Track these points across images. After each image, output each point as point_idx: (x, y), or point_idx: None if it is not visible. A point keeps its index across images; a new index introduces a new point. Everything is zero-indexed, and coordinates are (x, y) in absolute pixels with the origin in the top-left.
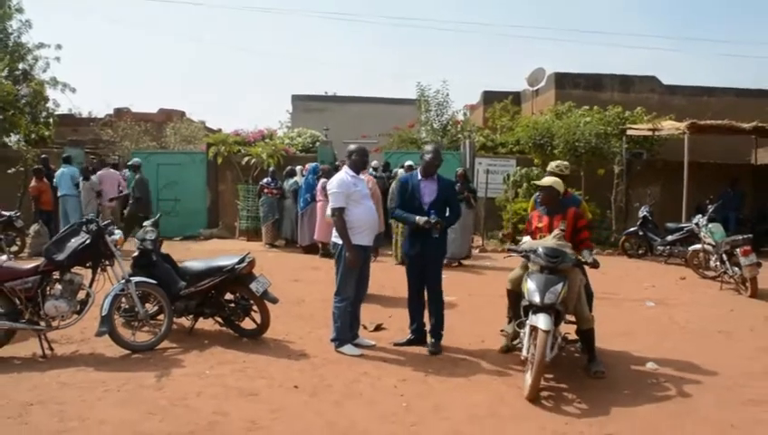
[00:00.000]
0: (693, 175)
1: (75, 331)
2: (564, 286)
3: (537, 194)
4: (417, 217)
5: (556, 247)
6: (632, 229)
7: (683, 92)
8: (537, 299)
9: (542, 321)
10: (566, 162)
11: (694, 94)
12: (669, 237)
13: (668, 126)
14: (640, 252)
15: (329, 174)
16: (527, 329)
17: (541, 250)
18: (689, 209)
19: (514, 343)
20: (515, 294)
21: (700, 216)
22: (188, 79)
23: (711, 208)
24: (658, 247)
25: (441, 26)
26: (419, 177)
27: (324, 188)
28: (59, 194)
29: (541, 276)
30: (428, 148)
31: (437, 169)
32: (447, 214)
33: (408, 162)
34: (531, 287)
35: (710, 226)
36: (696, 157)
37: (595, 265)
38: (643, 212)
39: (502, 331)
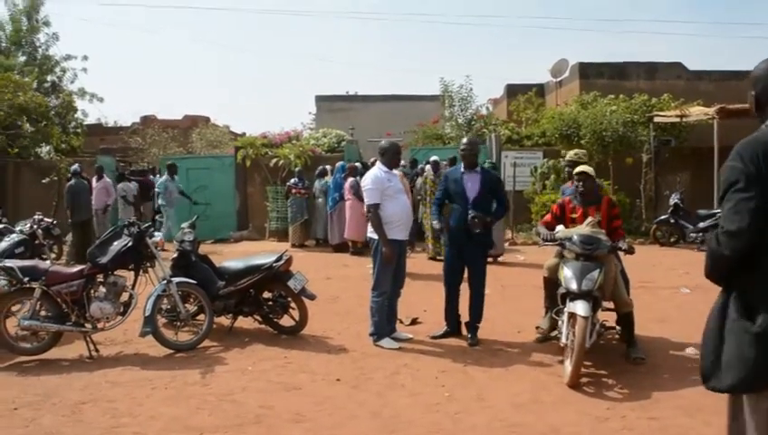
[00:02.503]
0: (723, 160)
1: (118, 332)
2: (601, 273)
3: (564, 186)
4: (434, 222)
5: (591, 235)
6: (663, 217)
7: (710, 77)
8: (574, 286)
9: (580, 307)
10: (582, 150)
11: (721, 79)
12: (701, 224)
13: (696, 112)
14: (672, 240)
15: (355, 172)
16: (565, 316)
17: (576, 238)
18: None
19: (552, 334)
20: (552, 282)
21: None
22: (211, 84)
23: None
24: (691, 235)
25: (461, 21)
26: (462, 170)
27: (353, 187)
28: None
29: (577, 264)
30: (463, 140)
31: (476, 159)
32: (495, 207)
33: (434, 157)
34: (567, 275)
35: None
36: (725, 142)
37: (630, 250)
38: (674, 200)
39: (537, 328)
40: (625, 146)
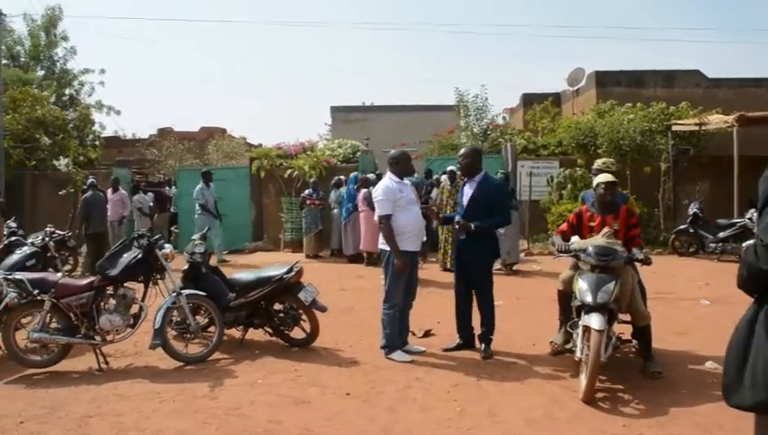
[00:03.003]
0: (743, 169)
1: (128, 344)
2: (617, 285)
3: (586, 192)
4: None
5: (606, 246)
6: (682, 227)
7: (729, 85)
8: (589, 299)
9: (594, 320)
10: (611, 159)
11: (741, 86)
12: (721, 234)
13: (716, 120)
14: (691, 250)
15: (367, 183)
16: (580, 329)
17: (591, 249)
18: (741, 205)
19: (567, 346)
20: (567, 295)
21: (753, 210)
22: (229, 96)
23: None
24: (710, 245)
25: (477, 30)
26: (465, 179)
27: (366, 198)
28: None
29: (592, 275)
30: (460, 151)
31: (471, 167)
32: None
33: (451, 168)
34: (582, 287)
35: None
36: (745, 151)
37: (647, 261)
38: (693, 209)
39: (551, 343)
40: (643, 155)
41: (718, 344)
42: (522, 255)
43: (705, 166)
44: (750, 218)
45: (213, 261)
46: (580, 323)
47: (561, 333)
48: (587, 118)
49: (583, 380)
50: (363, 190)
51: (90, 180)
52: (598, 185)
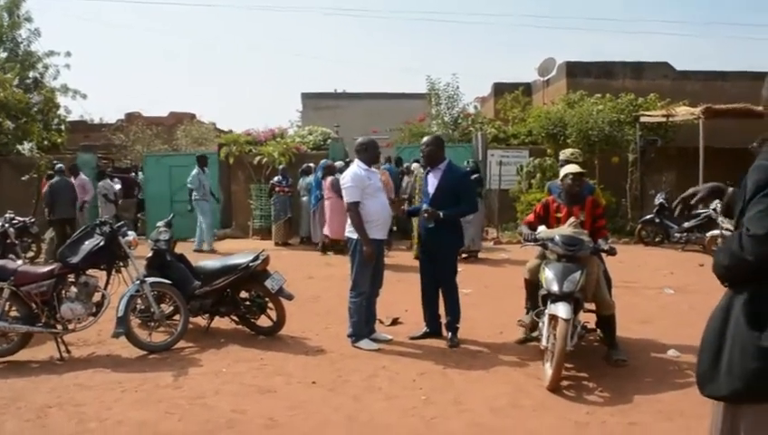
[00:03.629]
0: (709, 161)
1: (91, 333)
2: (583, 274)
3: (552, 182)
4: (403, 207)
5: (573, 235)
6: (648, 217)
7: (696, 78)
8: (555, 288)
9: (561, 309)
10: (578, 150)
11: (708, 79)
12: (686, 224)
13: (683, 112)
14: (657, 240)
15: (333, 170)
16: (546, 318)
17: (558, 239)
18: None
19: (533, 334)
20: (533, 284)
21: (718, 201)
22: (197, 81)
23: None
24: (675, 234)
25: (449, 18)
26: (428, 168)
27: (333, 185)
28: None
29: (558, 265)
30: (422, 139)
31: (433, 156)
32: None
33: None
34: (549, 276)
35: None
36: (711, 142)
37: (612, 252)
38: (659, 199)
39: (519, 321)
40: (611, 145)
41: (680, 333)
42: (491, 243)
43: (671, 157)
44: (714, 209)
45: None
46: (546, 311)
47: (529, 315)
48: (557, 108)
49: (549, 369)
50: (329, 178)
51: (57, 166)
52: (565, 176)
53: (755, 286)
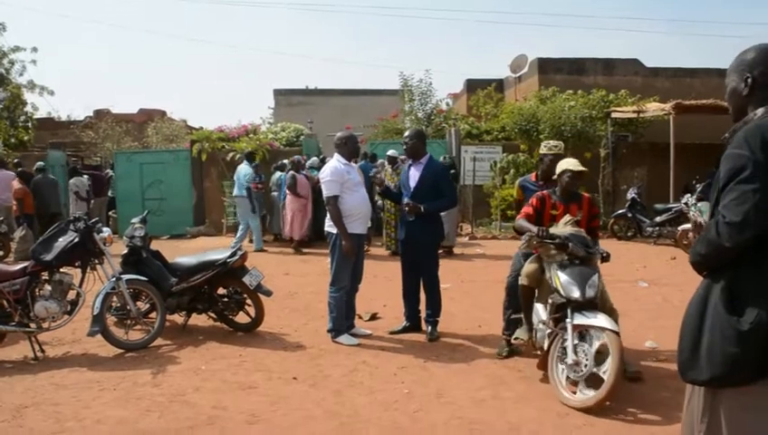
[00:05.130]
0: (679, 156)
1: (66, 332)
2: (600, 278)
3: (524, 178)
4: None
5: (585, 236)
6: (621, 211)
7: (666, 74)
8: (577, 294)
9: (603, 320)
10: (559, 142)
11: (677, 76)
12: (658, 218)
13: (653, 107)
14: (629, 234)
15: (297, 166)
16: (570, 329)
17: (575, 239)
18: (677, 190)
19: (515, 339)
20: (531, 291)
21: (689, 195)
22: (168, 78)
23: (699, 188)
24: (647, 229)
25: (422, 15)
26: (410, 162)
27: (287, 180)
28: (236, 195)
29: (575, 268)
30: (405, 133)
31: (416, 149)
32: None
33: (390, 151)
34: (565, 281)
35: (699, 205)
36: (681, 138)
37: (608, 258)
38: (631, 194)
39: (515, 339)
40: (583, 141)
41: (656, 324)
42: (466, 238)
43: (642, 152)
44: (686, 203)
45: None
46: (568, 322)
47: (524, 328)
48: (529, 104)
49: (587, 390)
50: (290, 173)
51: (39, 164)
52: (563, 172)
53: (732, 273)
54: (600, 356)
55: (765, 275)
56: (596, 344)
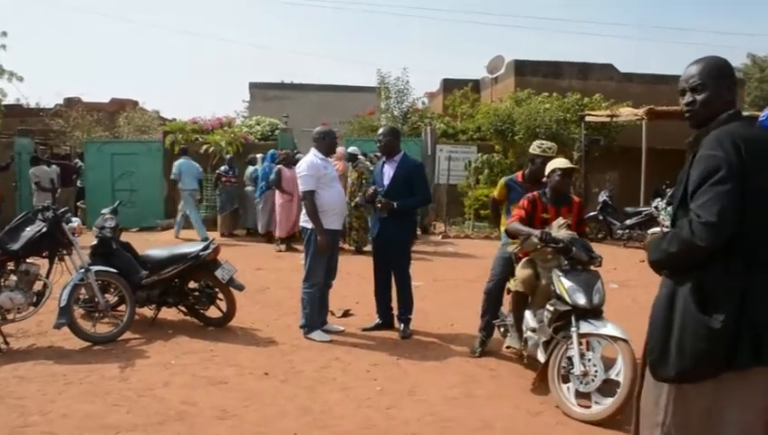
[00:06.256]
0: (650, 160)
1: (31, 324)
2: (603, 285)
3: (510, 178)
4: (357, 199)
5: (584, 240)
6: (592, 214)
7: (639, 80)
8: (583, 301)
9: (612, 329)
10: (550, 142)
11: (650, 82)
12: (628, 221)
13: (626, 112)
14: (600, 236)
15: (286, 159)
16: (575, 338)
17: (577, 243)
18: (647, 194)
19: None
20: (525, 297)
21: (659, 199)
22: (141, 67)
23: (669, 192)
24: (618, 231)
25: (400, 12)
26: (384, 160)
27: (273, 175)
28: (185, 187)
29: (579, 274)
30: (378, 131)
31: (391, 146)
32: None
33: (351, 148)
34: (570, 286)
35: (669, 209)
36: (653, 143)
37: (600, 263)
38: (603, 197)
39: (508, 348)
40: (557, 143)
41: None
42: (439, 237)
43: (614, 156)
44: (656, 207)
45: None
46: (573, 331)
47: (515, 337)
48: (505, 105)
49: (603, 401)
50: (276, 167)
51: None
52: (553, 171)
53: (701, 273)
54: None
55: (734, 274)
56: (599, 351)
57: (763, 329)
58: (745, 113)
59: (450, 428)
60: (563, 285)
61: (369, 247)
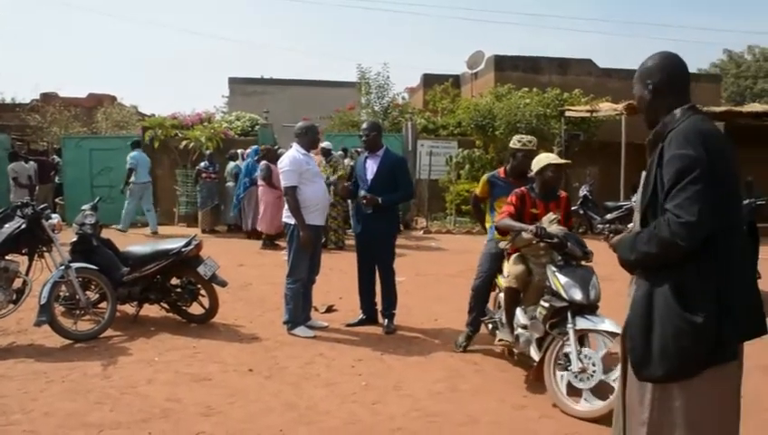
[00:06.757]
0: (630, 155)
1: (11, 322)
2: (598, 280)
3: (492, 174)
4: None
5: (577, 236)
6: (573, 208)
7: (618, 75)
8: (580, 296)
9: (610, 324)
10: (529, 136)
11: (629, 77)
12: (608, 216)
13: (606, 107)
14: (581, 230)
15: (270, 155)
16: (572, 335)
17: (571, 238)
18: (627, 189)
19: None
20: (517, 293)
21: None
22: (119, 62)
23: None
24: (598, 226)
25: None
26: (366, 154)
27: (262, 171)
28: (138, 180)
29: (575, 270)
30: (362, 126)
31: (375, 142)
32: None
33: (324, 144)
34: (566, 282)
35: None
36: (632, 138)
37: (591, 258)
38: (583, 191)
39: (500, 341)
40: (538, 138)
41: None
42: (420, 232)
43: (594, 151)
44: (635, 201)
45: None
46: (569, 327)
47: (507, 332)
48: (485, 100)
49: (596, 404)
50: (263, 162)
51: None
52: (546, 167)
53: (678, 271)
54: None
55: (712, 271)
56: (602, 351)
57: (741, 323)
58: (723, 108)
59: (436, 422)
60: (559, 280)
61: (350, 242)
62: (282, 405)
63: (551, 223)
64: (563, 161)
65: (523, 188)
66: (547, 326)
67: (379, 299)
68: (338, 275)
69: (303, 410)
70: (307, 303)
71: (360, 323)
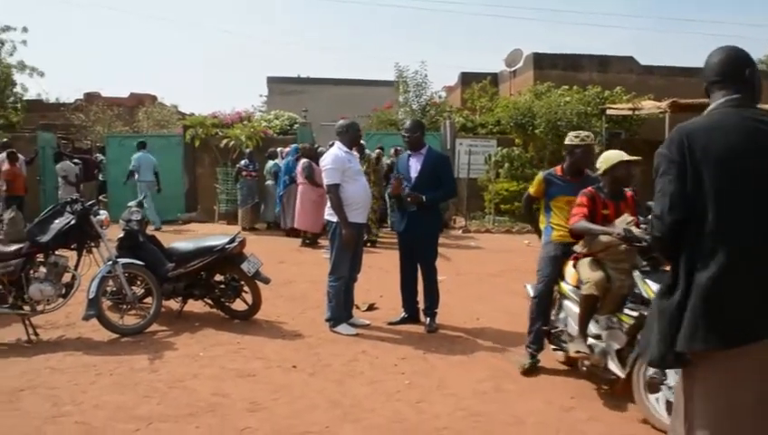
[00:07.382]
0: None
1: (60, 315)
2: None
3: (548, 172)
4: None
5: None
6: None
7: (660, 72)
8: None
9: None
10: (585, 132)
11: (671, 74)
12: (650, 216)
13: (649, 105)
14: None
15: (310, 153)
16: None
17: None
18: None
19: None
20: (597, 300)
21: None
22: (160, 62)
23: None
24: (642, 225)
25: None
26: (409, 153)
27: (305, 169)
28: (143, 179)
29: (663, 275)
30: (405, 125)
31: (419, 141)
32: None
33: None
34: (657, 289)
35: None
36: None
37: None
38: (627, 192)
39: (578, 352)
40: None
41: None
42: (459, 231)
43: (637, 149)
44: None
45: None
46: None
47: (581, 341)
48: (524, 98)
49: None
50: (302, 160)
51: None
52: (618, 164)
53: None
54: None
55: (685, 259)
56: None
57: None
58: None
59: (482, 422)
60: (650, 287)
61: (384, 240)
62: (326, 402)
63: (627, 224)
64: (634, 158)
65: (590, 188)
66: (626, 338)
67: (420, 298)
68: (377, 272)
69: (348, 408)
70: (349, 300)
71: (402, 321)
